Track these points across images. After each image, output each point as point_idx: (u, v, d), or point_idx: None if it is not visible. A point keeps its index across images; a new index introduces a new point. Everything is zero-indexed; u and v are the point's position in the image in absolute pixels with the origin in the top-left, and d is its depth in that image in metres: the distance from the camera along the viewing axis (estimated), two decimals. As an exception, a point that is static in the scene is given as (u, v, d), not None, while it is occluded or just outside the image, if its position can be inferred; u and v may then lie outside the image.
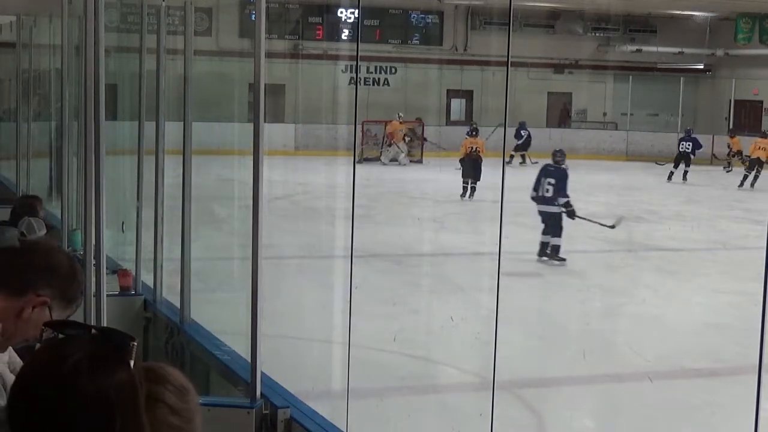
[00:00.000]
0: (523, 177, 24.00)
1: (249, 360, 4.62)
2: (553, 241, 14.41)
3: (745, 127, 34.36)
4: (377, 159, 29.54)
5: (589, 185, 25.55)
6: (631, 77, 35.82)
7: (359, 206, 16.61)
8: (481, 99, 34.75)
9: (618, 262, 15.18)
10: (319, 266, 13.73)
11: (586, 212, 20.14)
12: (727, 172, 29.83)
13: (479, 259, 14.32)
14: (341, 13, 34.67)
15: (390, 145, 30.23)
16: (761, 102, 36.05)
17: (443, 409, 7.88)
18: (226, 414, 4.41)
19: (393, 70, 35.07)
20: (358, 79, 33.18)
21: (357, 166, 24.20)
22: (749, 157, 27.36)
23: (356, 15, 33.61)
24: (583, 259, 15.16)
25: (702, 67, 38.15)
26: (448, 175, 26.93)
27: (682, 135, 29.49)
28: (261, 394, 4.52)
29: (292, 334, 9.53)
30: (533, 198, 14.83)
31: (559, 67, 36.90)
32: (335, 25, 34.55)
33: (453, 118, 35.64)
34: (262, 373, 4.58)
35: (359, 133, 29.05)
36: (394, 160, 29.73)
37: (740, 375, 8.85)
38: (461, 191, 21.67)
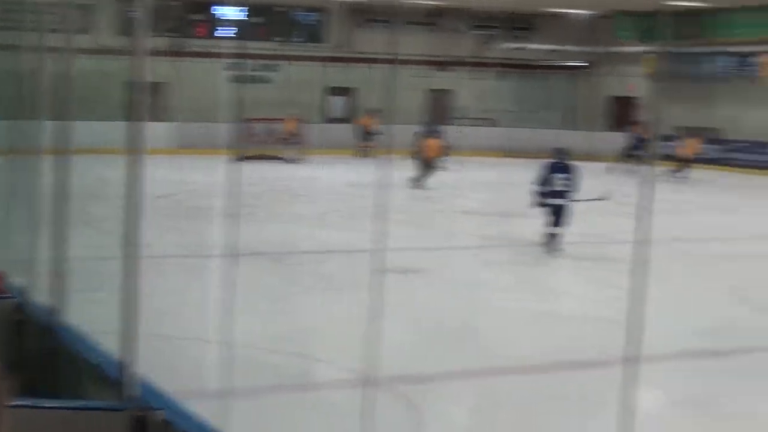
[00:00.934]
0: (404, 175, 24.17)
1: (121, 361, 4.57)
2: (559, 231, 15.49)
3: (622, 123, 35.06)
4: (260, 157, 29.39)
5: (470, 182, 25.84)
6: (512, 75, 36.25)
7: (242, 204, 16.55)
8: (365, 96, 34.84)
9: (497, 258, 15.35)
10: (200, 265, 13.61)
11: (467, 208, 20.42)
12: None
13: (360, 256, 14.35)
14: (224, 10, 34.39)
15: (288, 144, 30.18)
16: (638, 98, 36.80)
17: (323, 407, 7.89)
18: (97, 417, 4.35)
19: (276, 68, 34.94)
20: (242, 77, 32.96)
21: (240, 164, 24.08)
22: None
23: (240, 12, 33.42)
24: (463, 255, 15.31)
25: (581, 64, 38.80)
26: (330, 173, 27.00)
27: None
28: (134, 396, 4.47)
29: (172, 334, 9.45)
30: (541, 193, 15.67)
31: (441, 65, 37.16)
32: (217, 23, 34.25)
33: (333, 115, 35.66)
34: (137, 375, 4.53)
35: (242, 132, 28.88)
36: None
37: (619, 366, 9.02)
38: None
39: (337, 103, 36.12)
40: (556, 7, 36.34)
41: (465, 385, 8.77)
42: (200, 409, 4.63)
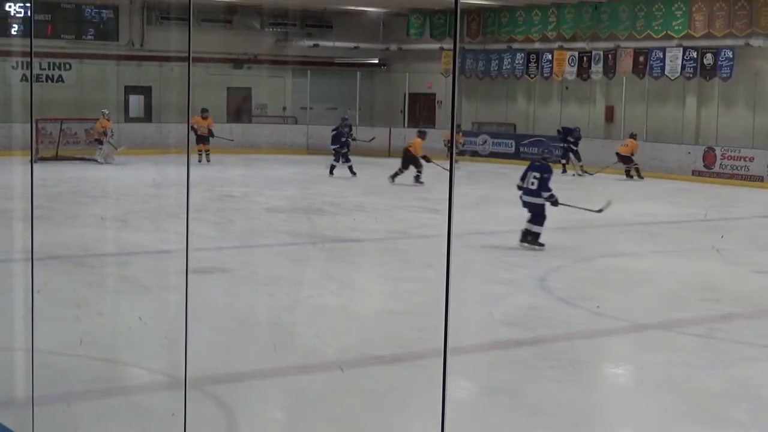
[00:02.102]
0: (206, 174, 23.94)
1: None
2: (535, 228, 15.66)
3: (419, 120, 35.63)
4: (54, 158, 28.62)
5: (271, 179, 25.80)
6: (309, 72, 36.37)
7: (37, 207, 16.03)
8: (161, 95, 34.37)
9: (301, 255, 15.38)
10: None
11: (270, 206, 20.37)
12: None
13: (164, 257, 14.16)
14: (9, 7, 33.28)
15: (102, 143, 29.37)
16: (434, 95, 37.48)
17: (134, 411, 7.73)
18: None
19: (67, 67, 34.06)
20: (31, 76, 32.01)
21: (34, 165, 23.38)
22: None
23: (24, 9, 32.39)
24: (268, 253, 15.26)
25: (377, 61, 39.23)
26: (130, 173, 26.49)
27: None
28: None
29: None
30: (519, 188, 15.93)
31: (237, 62, 36.98)
32: (3, 20, 33.13)
33: (132, 114, 35.02)
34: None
35: (35, 132, 28.02)
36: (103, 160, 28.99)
37: (423, 359, 9.17)
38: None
39: (135, 102, 35.46)
40: (350, 5, 36.61)
41: (274, 383, 8.73)
42: (5, 420, 4.47)
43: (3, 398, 7.17)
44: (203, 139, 29.92)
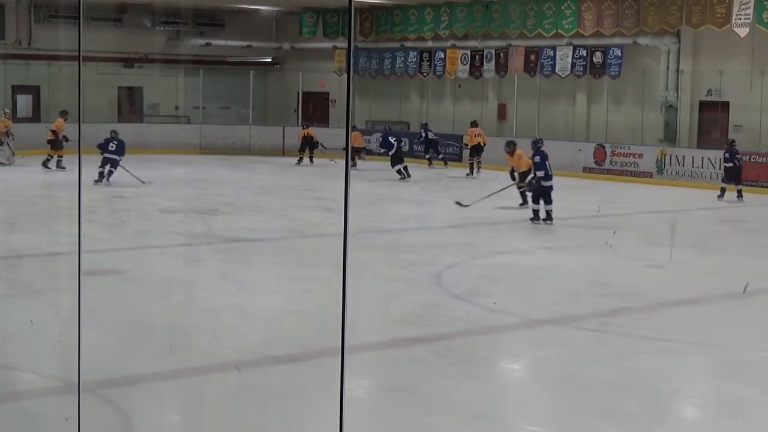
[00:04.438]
0: (94, 174, 23.57)
1: None
2: (548, 207, 18.62)
3: (314, 119, 35.58)
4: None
5: (164, 180, 25.51)
6: (201, 71, 36.07)
7: None
8: (49, 94, 33.77)
9: (196, 255, 15.24)
10: None
11: (163, 206, 20.14)
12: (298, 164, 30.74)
13: (54, 260, 13.91)
14: None
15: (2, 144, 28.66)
16: (328, 93, 37.47)
17: (26, 417, 7.55)
18: None
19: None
20: None
21: None
22: (467, 145, 29.77)
23: None
24: (162, 254, 15.09)
25: (270, 60, 39.09)
26: (19, 174, 25.97)
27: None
28: None
29: None
30: (543, 177, 18.61)
31: (128, 61, 36.52)
32: None
33: (20, 114, 34.33)
34: None
35: None
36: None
37: (321, 358, 9.15)
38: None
39: (24, 102, 34.75)
40: (242, 4, 36.42)
41: (171, 386, 8.62)
42: None
43: None
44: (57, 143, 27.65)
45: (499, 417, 7.99)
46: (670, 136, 28.89)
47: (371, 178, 26.37)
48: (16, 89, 34.58)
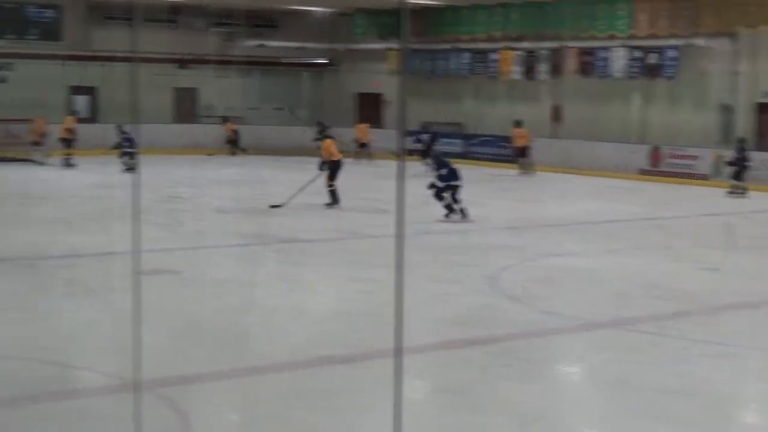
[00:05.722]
0: (152, 175, 23.74)
1: None
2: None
3: (369, 120, 35.60)
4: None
5: (218, 180, 25.66)
6: (256, 72, 36.21)
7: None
8: (106, 95, 34.09)
9: (251, 255, 15.30)
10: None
11: (217, 207, 20.26)
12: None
13: (111, 259, 14.04)
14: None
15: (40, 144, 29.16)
16: (382, 94, 37.49)
17: (86, 415, 7.63)
18: None
19: (10, 67, 33.72)
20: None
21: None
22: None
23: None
24: (217, 254, 15.19)
25: (324, 61, 39.16)
26: (74, 174, 26.24)
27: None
28: None
29: None
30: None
31: (183, 62, 36.75)
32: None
33: (79, 115, 34.71)
34: None
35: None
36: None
37: (375, 359, 9.15)
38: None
39: (81, 103, 35.14)
40: (296, 5, 36.53)
41: (226, 385, 8.67)
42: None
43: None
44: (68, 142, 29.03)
45: (554, 419, 7.95)
46: (726, 139, 28.59)
47: (423, 180, 26.33)
48: (74, 90, 34.94)
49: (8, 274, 12.91)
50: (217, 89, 37.15)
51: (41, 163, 28.53)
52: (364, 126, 33.44)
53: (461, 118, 35.70)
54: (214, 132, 34.91)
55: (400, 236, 4.17)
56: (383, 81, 36.52)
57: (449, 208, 18.68)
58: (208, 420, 7.65)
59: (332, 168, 20.44)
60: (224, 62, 36.89)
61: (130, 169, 25.40)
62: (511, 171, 29.80)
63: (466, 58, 34.77)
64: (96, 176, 25.37)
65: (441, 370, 9.20)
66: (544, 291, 12.79)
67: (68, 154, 28.58)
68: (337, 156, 20.47)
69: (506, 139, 31.85)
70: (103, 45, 34.16)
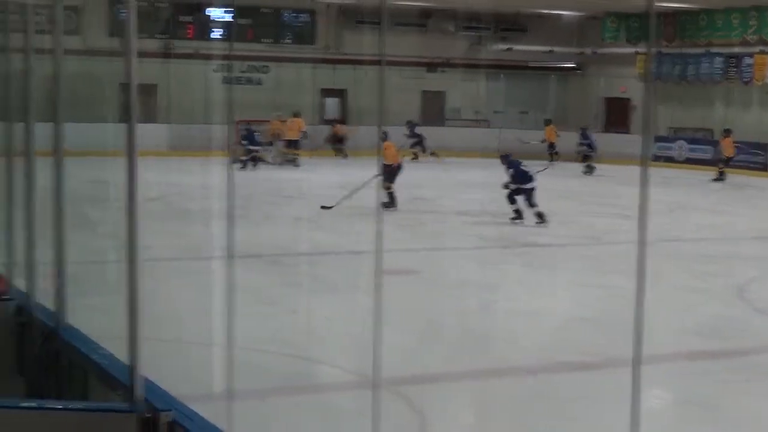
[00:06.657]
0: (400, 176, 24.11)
1: (128, 363, 4.54)
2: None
3: (614, 125, 35.08)
4: (250, 160, 29.39)
5: (462, 183, 25.86)
6: (502, 75, 36.26)
7: (234, 207, 16.43)
8: (355, 98, 34.84)
9: (490, 258, 15.37)
10: (195, 268, 13.57)
11: (459, 210, 20.42)
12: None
13: (355, 258, 14.36)
14: (212, 11, 34.38)
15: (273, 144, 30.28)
16: (629, 99, 36.87)
17: (325, 409, 7.88)
18: (106, 419, 4.33)
19: (266, 69, 34.94)
20: (231, 79, 32.99)
21: (228, 166, 24.03)
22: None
23: (227, 14, 33.43)
24: (457, 256, 15.31)
25: (572, 65, 38.82)
26: (321, 175, 26.95)
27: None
28: (142, 397, 4.45)
29: (172, 337, 9.43)
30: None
31: (432, 66, 37.16)
32: (206, 24, 34.24)
33: (328, 116, 35.67)
34: (143, 377, 4.51)
35: (233, 133, 28.82)
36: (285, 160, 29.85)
37: (611, 367, 9.04)
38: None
39: (332, 105, 36.12)
40: (545, 8, 36.37)
41: (464, 386, 8.76)
42: (205, 411, 4.61)
43: (203, 391, 7.39)
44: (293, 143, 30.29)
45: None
46: None
47: (668, 185, 25.79)
48: (324, 92, 35.90)
49: (257, 270, 13.38)
50: (463, 92, 37.38)
51: (272, 163, 29.44)
52: (551, 127, 33.22)
53: (711, 124, 34.68)
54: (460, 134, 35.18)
55: (641, 243, 4.13)
56: (631, 86, 35.88)
57: (517, 212, 18.28)
58: (444, 420, 7.75)
59: (389, 172, 19.80)
60: (472, 66, 37.05)
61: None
62: (764, 179, 28.79)
63: (718, 62, 33.79)
64: (340, 177, 25.99)
65: (680, 381, 9.02)
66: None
67: (294, 154, 29.65)
68: (392, 160, 19.89)
69: (759, 146, 30.75)
70: (353, 48, 34.93)
